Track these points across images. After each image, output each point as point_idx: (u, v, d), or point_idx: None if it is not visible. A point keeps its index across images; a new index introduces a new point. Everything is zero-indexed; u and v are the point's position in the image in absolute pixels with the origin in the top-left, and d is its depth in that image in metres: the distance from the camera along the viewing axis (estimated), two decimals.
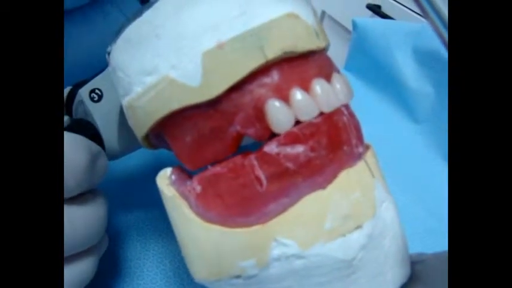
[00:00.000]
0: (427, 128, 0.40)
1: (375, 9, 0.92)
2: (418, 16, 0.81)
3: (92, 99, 0.20)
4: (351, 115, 0.16)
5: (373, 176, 0.16)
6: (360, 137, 0.16)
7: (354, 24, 0.46)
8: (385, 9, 0.92)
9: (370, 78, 0.46)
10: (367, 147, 0.17)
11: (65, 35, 0.16)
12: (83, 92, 0.20)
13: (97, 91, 0.20)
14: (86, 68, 0.23)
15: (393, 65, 0.42)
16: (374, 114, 0.42)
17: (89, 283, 0.18)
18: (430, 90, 0.40)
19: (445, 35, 0.12)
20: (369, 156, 0.16)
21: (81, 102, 0.21)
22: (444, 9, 0.12)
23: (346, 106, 0.16)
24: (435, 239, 0.28)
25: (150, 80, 0.15)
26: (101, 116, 0.20)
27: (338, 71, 0.17)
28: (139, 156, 0.29)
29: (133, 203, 0.28)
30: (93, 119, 0.20)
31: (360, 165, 0.15)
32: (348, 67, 0.48)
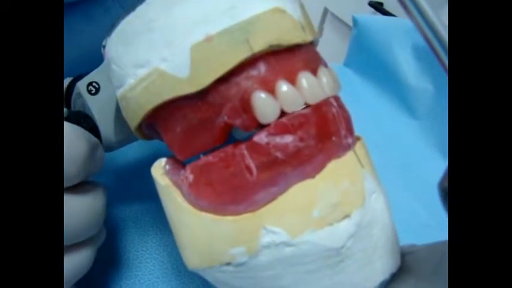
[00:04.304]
0: (425, 124, 0.40)
1: (377, 7, 0.92)
2: None
3: (89, 92, 0.21)
4: (341, 107, 0.16)
5: (362, 166, 0.16)
6: (349, 129, 0.16)
7: (355, 21, 0.46)
8: (387, 7, 0.91)
9: (369, 74, 0.46)
10: (357, 139, 0.17)
11: (65, 29, 0.16)
12: (81, 85, 0.21)
13: (94, 84, 0.21)
14: (86, 62, 0.23)
15: (393, 62, 0.42)
16: (373, 110, 0.42)
17: (87, 274, 0.18)
18: (429, 87, 0.40)
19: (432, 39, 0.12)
20: (358, 147, 0.16)
21: (79, 95, 0.21)
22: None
23: (336, 98, 0.16)
24: (429, 234, 0.29)
25: (142, 72, 0.15)
26: (98, 108, 0.21)
27: (325, 65, 0.17)
28: (136, 149, 0.29)
29: (130, 194, 0.28)
30: (90, 111, 0.21)
31: (349, 156, 0.15)
32: (347, 63, 0.48)
